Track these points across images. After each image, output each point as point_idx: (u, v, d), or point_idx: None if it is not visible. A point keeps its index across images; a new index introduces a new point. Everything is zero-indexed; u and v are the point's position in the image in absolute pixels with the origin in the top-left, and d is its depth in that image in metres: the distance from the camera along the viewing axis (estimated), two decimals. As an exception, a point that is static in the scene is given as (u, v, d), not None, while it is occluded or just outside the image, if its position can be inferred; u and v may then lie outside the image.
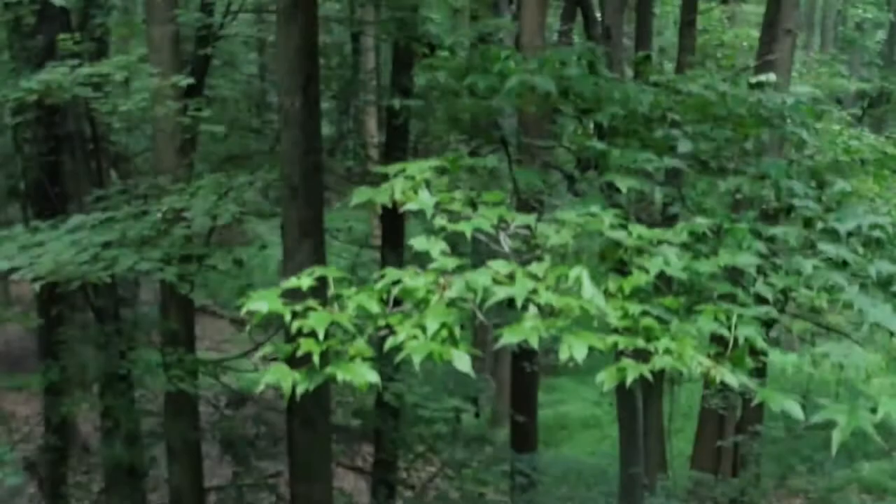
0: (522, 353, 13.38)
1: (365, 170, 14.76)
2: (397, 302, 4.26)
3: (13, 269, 7.09)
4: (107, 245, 7.83)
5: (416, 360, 3.89)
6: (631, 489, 7.22)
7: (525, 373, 13.39)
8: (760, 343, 3.80)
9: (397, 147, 11.56)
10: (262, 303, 4.08)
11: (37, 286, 6.75)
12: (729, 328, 3.92)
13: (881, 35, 36.38)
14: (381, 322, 4.13)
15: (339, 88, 12.76)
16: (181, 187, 8.65)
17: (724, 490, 13.42)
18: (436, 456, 11.23)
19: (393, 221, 11.73)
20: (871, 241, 4.65)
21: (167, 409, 9.91)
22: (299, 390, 4.02)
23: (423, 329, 3.99)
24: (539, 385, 15.07)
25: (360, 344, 4.05)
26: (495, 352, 21.84)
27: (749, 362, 3.94)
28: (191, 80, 8.51)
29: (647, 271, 4.07)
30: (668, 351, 3.82)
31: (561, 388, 24.98)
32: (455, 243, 4.63)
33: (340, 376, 3.93)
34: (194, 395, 8.96)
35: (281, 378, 3.93)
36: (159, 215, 7.80)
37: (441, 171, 4.71)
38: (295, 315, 4.07)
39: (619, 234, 4.14)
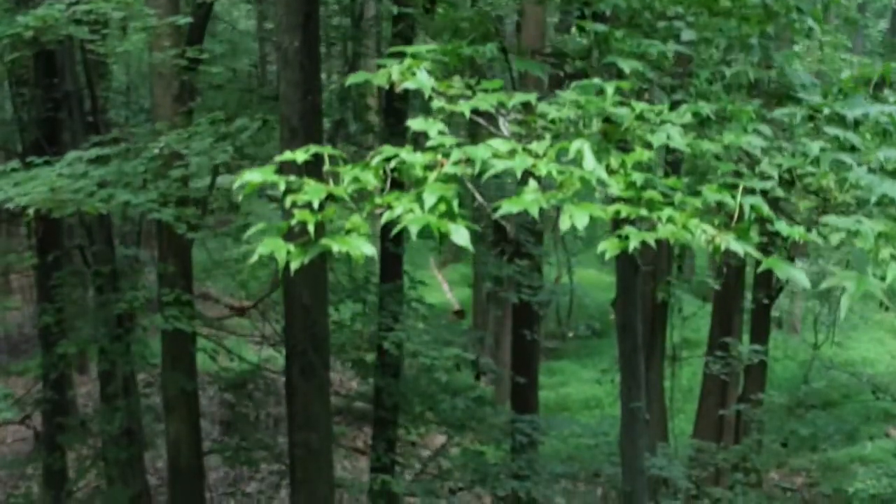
0: (523, 321, 13.29)
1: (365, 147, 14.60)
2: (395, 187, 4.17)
3: (7, 200, 6.99)
4: (103, 185, 7.74)
5: (413, 230, 3.80)
6: (632, 423, 7.12)
7: (526, 340, 13.30)
8: (766, 211, 3.71)
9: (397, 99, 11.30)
10: (256, 174, 4.00)
11: (31, 212, 6.66)
12: (734, 200, 3.83)
13: (883, 25, 36.30)
14: (379, 201, 4.04)
15: (339, 38, 12.66)
16: (178, 132, 8.57)
17: (725, 456, 13.32)
18: (435, 414, 11.13)
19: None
20: (879, 130, 4.56)
21: (164, 359, 9.83)
22: (294, 265, 3.92)
23: (421, 203, 3.90)
24: (540, 369, 14.94)
25: (357, 219, 3.95)
26: (496, 334, 21.75)
27: (754, 236, 3.86)
28: (188, 20, 8.42)
29: (649, 147, 3.98)
30: (671, 220, 3.72)
31: (562, 371, 24.98)
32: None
33: (336, 248, 3.83)
34: (191, 332, 8.86)
35: (274, 249, 3.83)
36: (156, 151, 7.71)
37: (441, 63, 4.63)
38: (290, 190, 3.99)
39: (621, 111, 4.05)
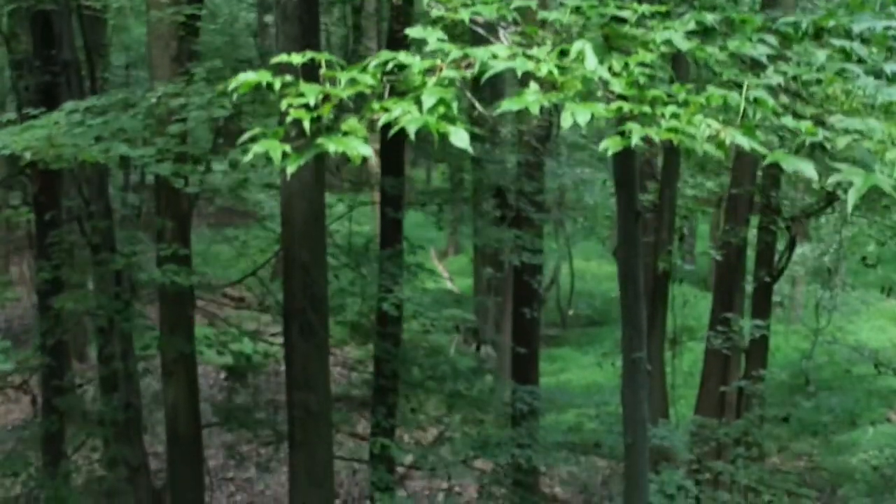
0: (523, 300, 13.21)
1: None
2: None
3: (3, 148, 6.92)
4: (101, 139, 7.68)
5: (411, 130, 3.74)
6: (633, 374, 7.05)
7: (526, 319, 13.23)
8: (771, 103, 3.64)
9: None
10: (250, 74, 3.94)
11: (28, 155, 6.59)
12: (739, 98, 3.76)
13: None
14: (377, 106, 3.97)
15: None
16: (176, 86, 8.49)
17: (727, 432, 13.23)
18: (434, 383, 11.08)
19: (394, 151, 11.49)
20: (886, 46, 4.50)
21: (162, 324, 9.76)
22: (290, 169, 3.86)
23: (420, 105, 3.83)
24: (541, 356, 14.82)
25: (354, 121, 3.89)
26: (497, 321, 21.64)
27: (759, 136, 3.79)
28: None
29: (651, 51, 3.92)
30: (675, 116, 3.65)
31: (562, 358, 24.95)
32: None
33: (332, 148, 3.77)
34: (188, 288, 8.78)
35: (270, 149, 3.77)
36: (154, 101, 7.65)
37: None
38: (286, 93, 3.92)
39: (624, 14, 3.99)
